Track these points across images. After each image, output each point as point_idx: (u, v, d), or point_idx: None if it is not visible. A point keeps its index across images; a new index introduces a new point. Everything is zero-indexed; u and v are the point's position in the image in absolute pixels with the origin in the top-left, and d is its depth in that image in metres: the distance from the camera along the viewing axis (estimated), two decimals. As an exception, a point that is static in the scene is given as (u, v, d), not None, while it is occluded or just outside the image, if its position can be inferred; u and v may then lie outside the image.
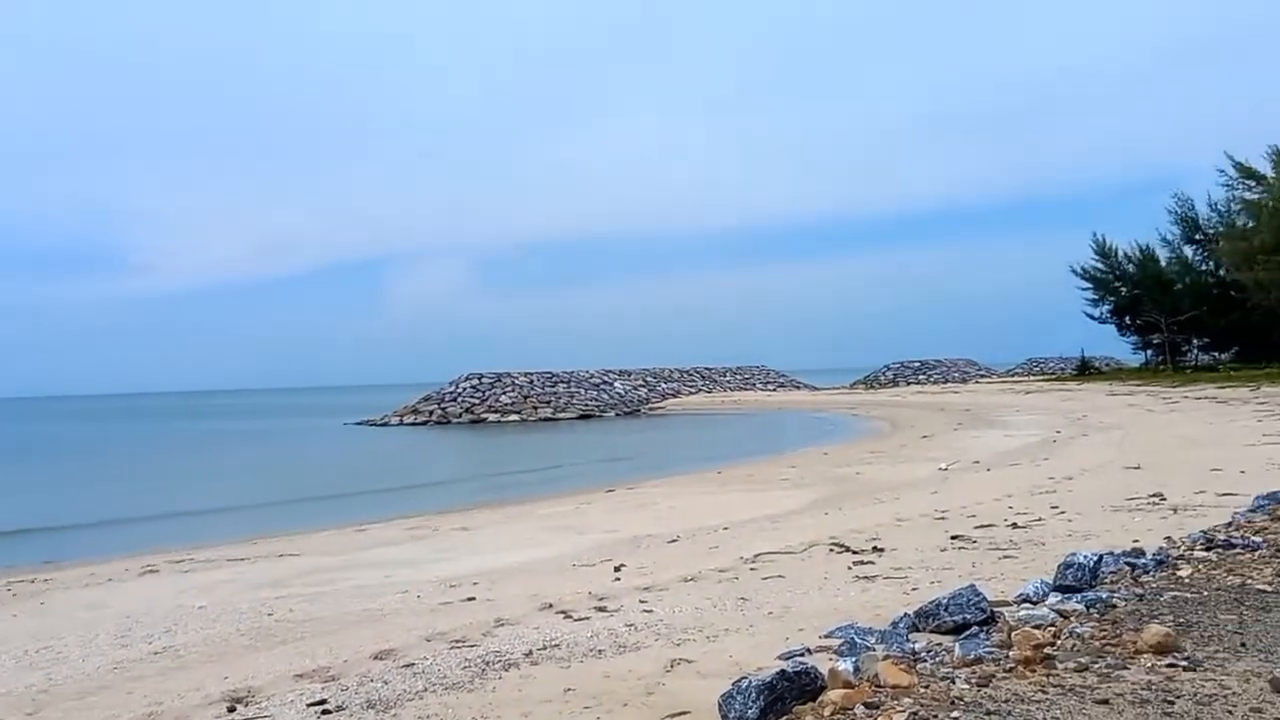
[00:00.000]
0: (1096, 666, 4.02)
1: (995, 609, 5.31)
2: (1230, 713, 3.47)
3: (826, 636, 5.56)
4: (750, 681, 3.93)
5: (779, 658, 5.15)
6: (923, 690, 3.82)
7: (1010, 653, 4.26)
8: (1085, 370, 62.73)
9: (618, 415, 58.08)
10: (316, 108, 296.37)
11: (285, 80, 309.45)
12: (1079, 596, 5.31)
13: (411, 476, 27.30)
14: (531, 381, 59.72)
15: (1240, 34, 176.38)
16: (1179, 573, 5.79)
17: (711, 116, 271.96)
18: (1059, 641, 4.45)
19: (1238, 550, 6.32)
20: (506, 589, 8.84)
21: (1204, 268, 54.43)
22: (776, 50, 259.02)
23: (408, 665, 5.97)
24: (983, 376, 77.25)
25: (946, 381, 73.31)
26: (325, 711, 5.15)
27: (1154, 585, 5.53)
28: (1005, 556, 8.18)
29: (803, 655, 5.15)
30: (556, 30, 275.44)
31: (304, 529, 16.20)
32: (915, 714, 3.54)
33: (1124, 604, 5.10)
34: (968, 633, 4.92)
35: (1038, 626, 4.69)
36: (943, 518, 11.05)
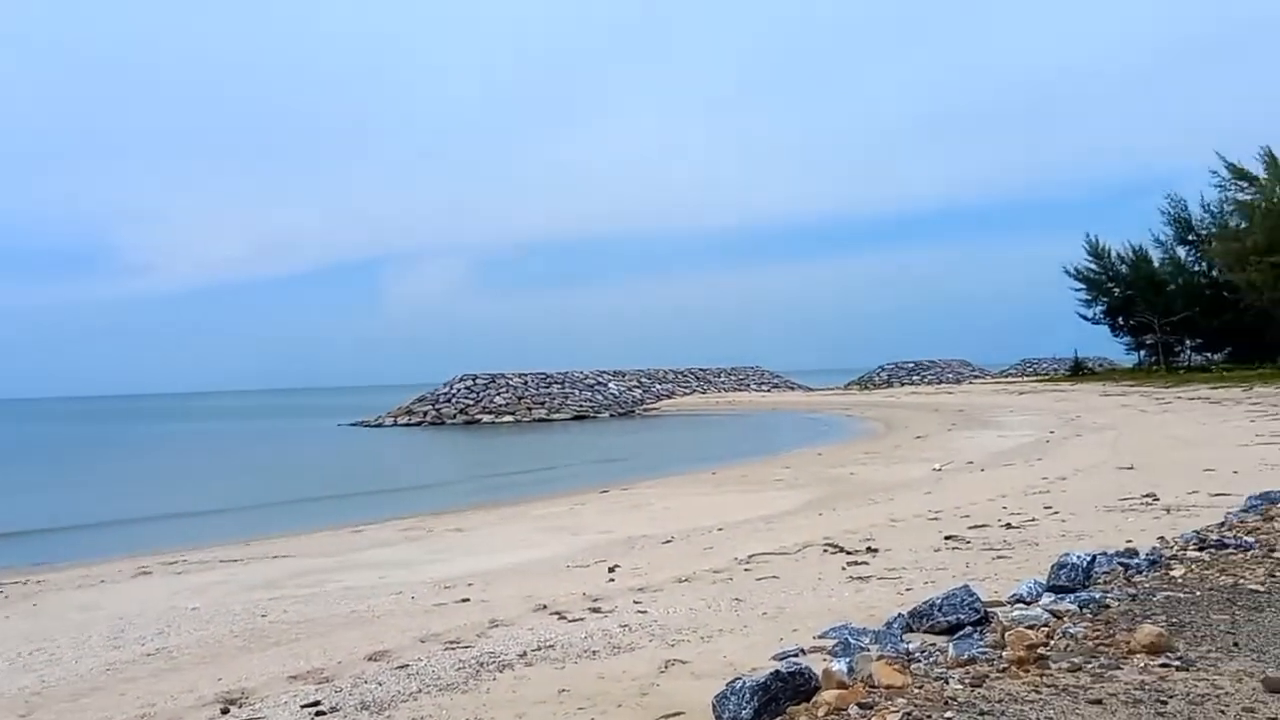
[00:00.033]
0: (1090, 666, 4.03)
1: (989, 609, 5.32)
2: (1223, 712, 3.48)
3: (820, 637, 5.56)
4: (744, 682, 3.93)
5: (773, 658, 5.15)
6: (916, 690, 3.83)
7: (1004, 653, 4.26)
8: (1079, 371, 62.84)
9: (612, 416, 58.07)
10: (316, 108, 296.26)
11: (285, 80, 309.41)
12: (1072, 597, 5.32)
13: (405, 478, 27.29)
14: (526, 382, 59.70)
15: (1240, 34, 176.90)
16: (1172, 573, 5.80)
17: (711, 116, 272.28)
18: (1052, 642, 4.45)
19: (1230, 550, 6.34)
20: (501, 590, 8.84)
21: (1197, 268, 54.54)
22: (776, 50, 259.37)
23: (402, 666, 5.96)
24: (976, 377, 77.36)
25: (940, 382, 73.42)
26: (319, 713, 5.14)
27: (1147, 585, 5.54)
28: (999, 557, 8.19)
29: (797, 656, 5.15)
30: (556, 30, 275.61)
31: (298, 530, 16.19)
32: (909, 714, 3.55)
33: (1117, 604, 5.11)
34: (961, 633, 4.92)
35: (1031, 627, 4.70)
36: (936, 518, 11.07)
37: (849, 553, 9.03)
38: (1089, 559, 5.96)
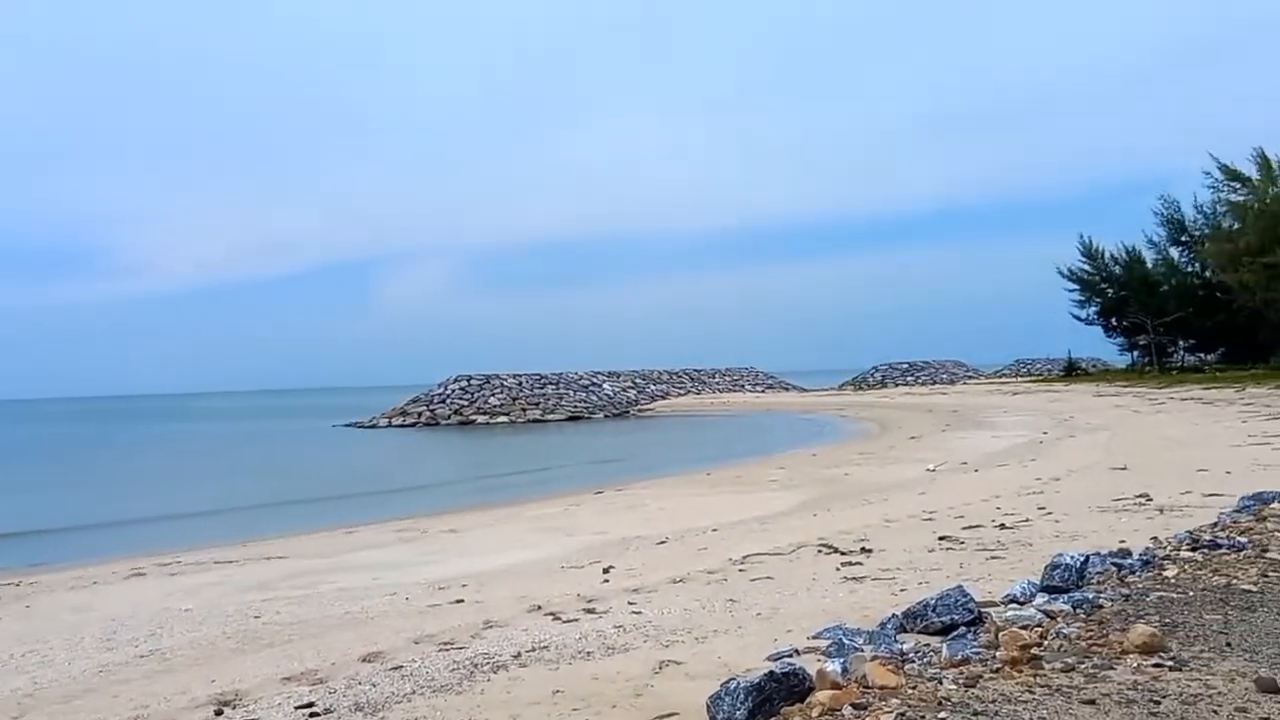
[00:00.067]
0: (1083, 667, 4.04)
1: (982, 609, 5.33)
2: (1216, 712, 3.49)
3: (815, 637, 5.57)
4: (738, 683, 3.93)
5: (767, 659, 5.16)
6: (910, 691, 3.83)
7: (997, 653, 4.27)
8: (1072, 371, 62.97)
9: (606, 417, 58.07)
10: (316, 108, 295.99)
11: (285, 80, 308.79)
12: (1066, 597, 5.33)
13: (399, 479, 27.24)
14: (520, 383, 59.66)
15: (1240, 34, 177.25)
16: (1165, 573, 5.82)
17: (711, 116, 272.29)
18: (1046, 642, 4.46)
19: (1223, 550, 6.35)
20: (495, 591, 8.83)
21: (1190, 269, 54.68)
22: (776, 50, 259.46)
23: (396, 668, 5.96)
24: (970, 377, 77.49)
25: (935, 383, 73.53)
26: (313, 714, 5.13)
27: (1140, 586, 5.55)
28: (992, 557, 8.20)
29: (791, 656, 5.15)
30: (556, 30, 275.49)
31: (291, 531, 16.16)
32: (902, 714, 3.55)
33: (1110, 604, 5.12)
34: (955, 633, 4.93)
35: (1024, 627, 4.71)
36: (930, 519, 11.08)
37: (843, 553, 9.04)
38: (1082, 559, 5.98)
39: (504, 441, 44.18)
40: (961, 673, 4.04)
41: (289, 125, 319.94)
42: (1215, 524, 7.65)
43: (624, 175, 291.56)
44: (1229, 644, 4.33)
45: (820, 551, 9.30)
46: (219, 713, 5.42)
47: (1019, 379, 71.41)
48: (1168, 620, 4.74)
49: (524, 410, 56.94)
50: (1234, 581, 5.49)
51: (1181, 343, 56.83)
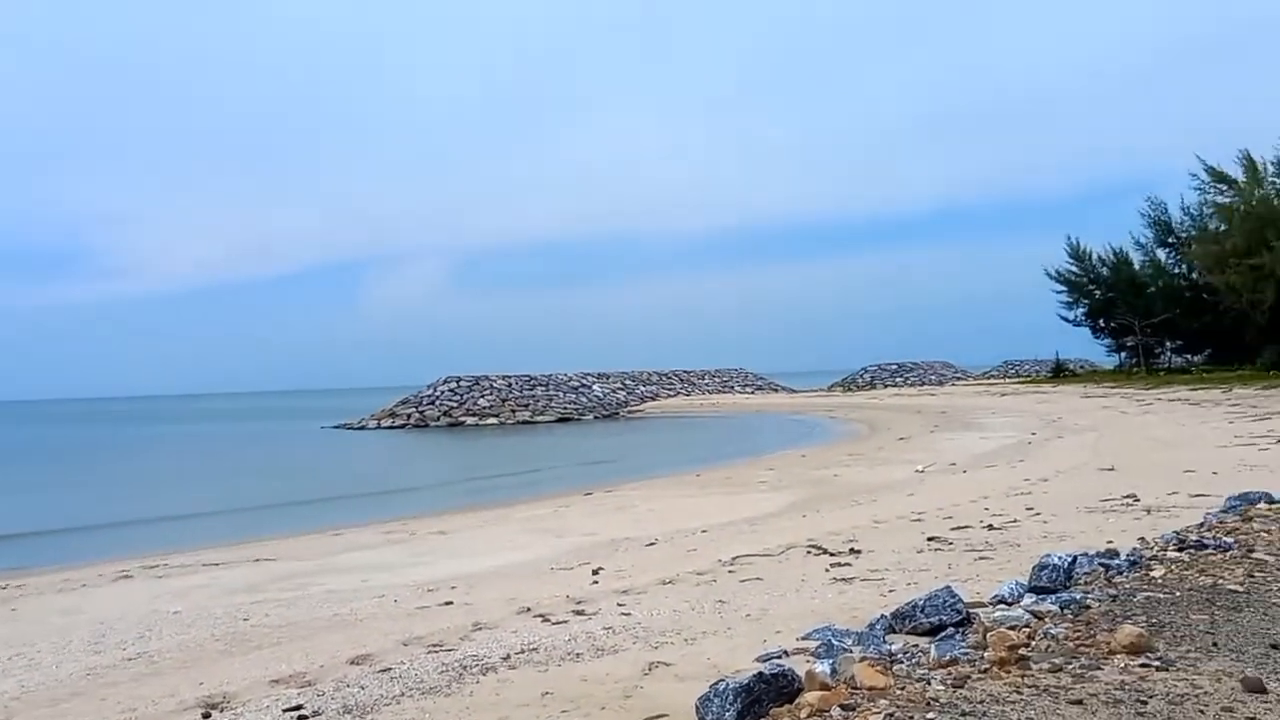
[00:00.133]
0: (1070, 667, 4.05)
1: (971, 610, 5.34)
2: (1202, 712, 3.51)
3: (804, 638, 5.58)
4: (728, 684, 3.94)
5: (756, 660, 5.16)
6: (899, 691, 3.84)
7: (985, 654, 4.28)
8: (1060, 372, 63.19)
9: (596, 418, 58.05)
10: (316, 108, 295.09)
11: (285, 80, 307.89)
12: (1053, 597, 5.34)
13: (388, 480, 27.19)
14: (509, 384, 59.60)
15: (1240, 34, 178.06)
16: (1152, 573, 5.84)
17: (711, 116, 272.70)
18: (1033, 642, 4.48)
19: (1210, 551, 6.38)
20: (484, 593, 8.82)
21: (1176, 271, 54.90)
22: (776, 50, 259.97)
23: (384, 670, 5.95)
24: (959, 379, 77.71)
25: (923, 384, 73.72)
26: (301, 717, 5.12)
27: (1127, 586, 5.57)
28: (981, 558, 8.22)
29: (780, 657, 5.16)
30: (556, 30, 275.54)
31: (280, 534, 16.11)
32: (891, 715, 3.56)
33: (1098, 605, 5.14)
34: (943, 634, 4.94)
35: (1012, 627, 4.72)
36: (919, 519, 11.10)
37: (832, 554, 9.05)
38: (1070, 560, 6.00)
39: (493, 443, 44.12)
40: (950, 673, 4.05)
41: (289, 125, 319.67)
42: (1202, 524, 7.68)
43: (624, 175, 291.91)
44: (1215, 644, 4.35)
45: (809, 552, 9.31)
46: (207, 715, 5.41)
47: (1007, 380, 71.64)
48: (1155, 620, 4.76)
49: (513, 412, 56.88)
50: (1220, 582, 5.52)
51: (1169, 344, 57.03)
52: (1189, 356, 55.93)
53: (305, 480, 28.16)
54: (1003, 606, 5.36)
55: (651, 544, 11.50)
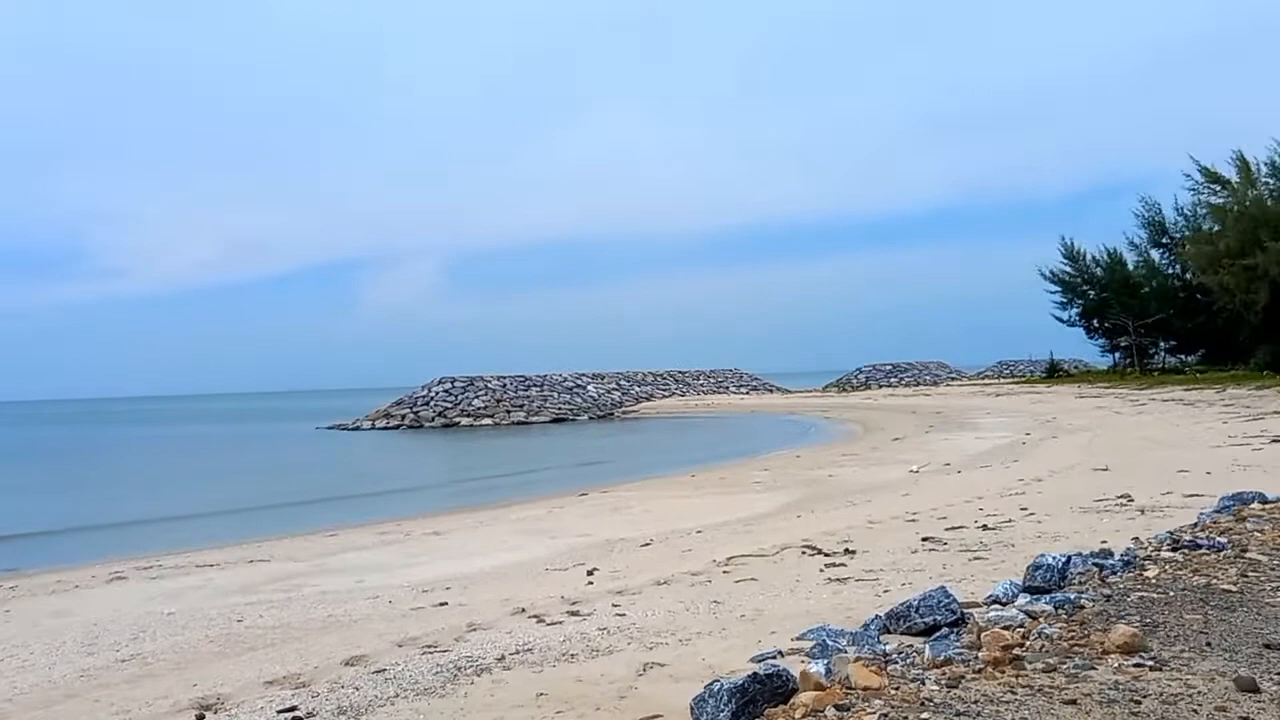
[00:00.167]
0: (1064, 667, 4.06)
1: (965, 610, 5.35)
2: (1196, 712, 3.51)
3: (798, 639, 5.58)
4: (722, 684, 3.94)
5: (751, 660, 5.17)
6: (893, 692, 3.84)
7: (979, 654, 4.29)
8: (1054, 373, 63.33)
9: (591, 419, 58.04)
10: (316, 108, 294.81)
11: (285, 80, 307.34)
12: (1048, 597, 5.35)
13: (383, 481, 27.14)
14: (504, 385, 59.57)
15: (1240, 34, 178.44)
16: (1146, 573, 5.85)
17: (711, 116, 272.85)
18: (1028, 642, 4.48)
19: (1203, 551, 6.40)
20: (478, 594, 8.81)
21: (1170, 271, 55.01)
22: (776, 50, 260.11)
23: (379, 671, 5.94)
24: (953, 379, 77.83)
25: (918, 384, 73.82)
26: (295, 718, 5.11)
27: (1121, 586, 5.58)
28: (975, 558, 8.23)
29: (774, 658, 5.17)
30: (556, 29, 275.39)
31: (274, 534, 16.08)
32: (885, 715, 3.56)
33: (1091, 605, 5.15)
34: (938, 634, 4.94)
35: (1007, 627, 4.73)
36: (914, 520, 11.11)
37: (827, 555, 9.06)
38: (1064, 560, 6.01)
39: (488, 444, 44.09)
40: (944, 673, 4.06)
41: (289, 125, 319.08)
42: (1195, 524, 7.70)
43: (623, 175, 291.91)
44: (1209, 644, 4.36)
45: (804, 553, 9.31)
46: (200, 717, 5.40)
47: (1002, 380, 71.77)
48: (1149, 620, 4.77)
49: (508, 412, 56.86)
50: (1214, 581, 5.53)
51: (1162, 344, 57.14)
52: (1183, 357, 56.06)
53: (300, 481, 28.10)
54: (997, 607, 5.38)
55: (646, 545, 11.50)
